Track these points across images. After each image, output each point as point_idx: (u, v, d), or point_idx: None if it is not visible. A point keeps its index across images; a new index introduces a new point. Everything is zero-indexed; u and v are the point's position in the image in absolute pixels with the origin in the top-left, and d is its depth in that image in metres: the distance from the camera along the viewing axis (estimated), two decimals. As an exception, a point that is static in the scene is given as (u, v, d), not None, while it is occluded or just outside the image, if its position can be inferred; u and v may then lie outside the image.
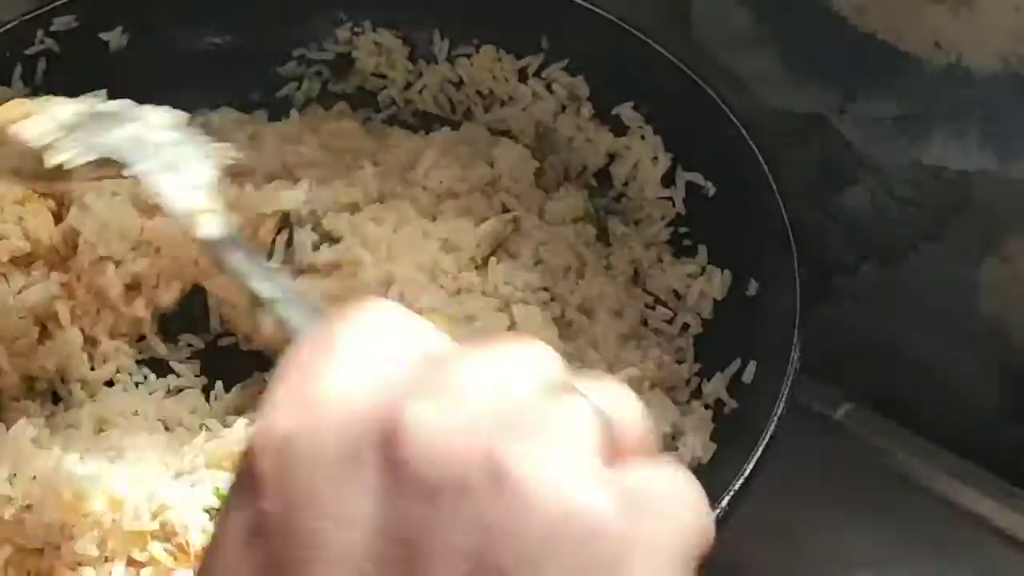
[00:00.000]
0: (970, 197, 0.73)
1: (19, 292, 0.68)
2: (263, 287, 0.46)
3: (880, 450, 0.76)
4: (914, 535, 0.72)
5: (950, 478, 0.74)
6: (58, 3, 0.76)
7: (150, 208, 0.69)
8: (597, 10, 0.74)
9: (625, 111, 0.74)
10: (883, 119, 0.74)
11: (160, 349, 0.70)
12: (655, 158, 0.73)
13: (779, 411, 0.58)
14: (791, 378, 0.59)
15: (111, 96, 0.68)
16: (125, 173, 0.53)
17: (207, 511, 0.58)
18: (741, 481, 0.56)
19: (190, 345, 0.70)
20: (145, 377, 0.69)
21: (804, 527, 0.71)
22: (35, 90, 0.75)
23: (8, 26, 0.75)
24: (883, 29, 0.70)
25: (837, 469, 0.73)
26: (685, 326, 0.69)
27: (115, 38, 0.77)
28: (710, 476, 0.59)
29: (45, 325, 0.68)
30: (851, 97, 0.74)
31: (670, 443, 0.63)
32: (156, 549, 0.57)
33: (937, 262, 0.76)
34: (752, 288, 0.66)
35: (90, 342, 0.69)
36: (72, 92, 0.73)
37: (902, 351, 0.80)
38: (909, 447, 0.76)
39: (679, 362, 0.68)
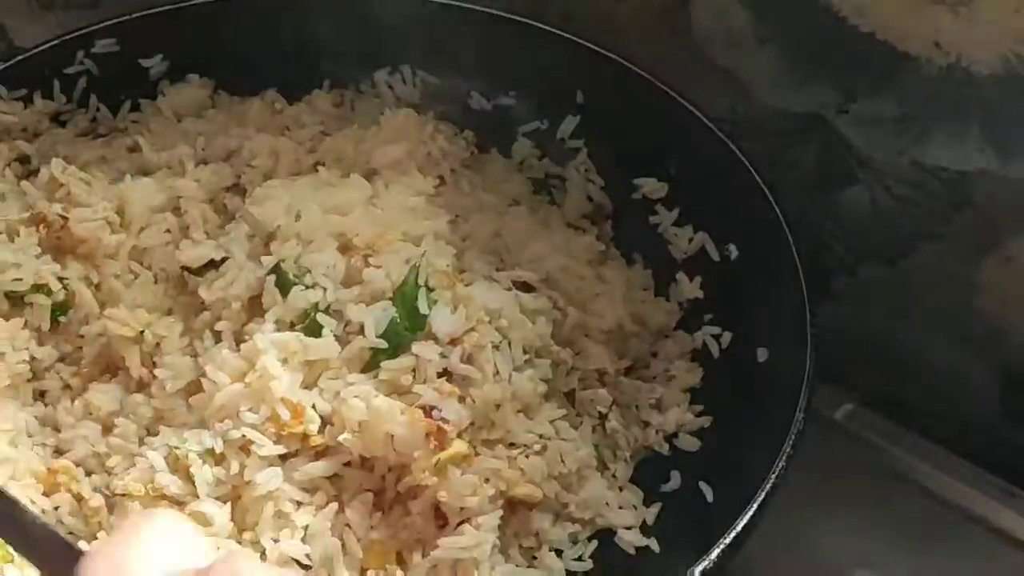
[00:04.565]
0: (970, 197, 0.73)
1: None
2: None
3: (880, 450, 0.76)
4: (914, 535, 0.72)
5: (950, 478, 0.74)
6: (100, 26, 0.76)
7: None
8: (637, 69, 0.74)
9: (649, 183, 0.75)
10: (883, 119, 0.74)
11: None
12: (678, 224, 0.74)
13: (780, 466, 0.59)
14: (794, 437, 0.60)
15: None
16: None
17: None
18: (737, 530, 0.56)
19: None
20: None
21: (804, 526, 0.70)
22: (76, 104, 0.77)
23: (50, 44, 0.76)
24: (883, 29, 0.70)
25: (837, 469, 0.73)
26: None
27: (155, 65, 0.78)
28: (713, 518, 0.60)
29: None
30: (851, 97, 0.74)
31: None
32: None
33: (937, 262, 0.77)
34: (762, 355, 0.66)
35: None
36: (111, 111, 0.78)
37: (902, 351, 0.80)
38: (909, 447, 0.76)
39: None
